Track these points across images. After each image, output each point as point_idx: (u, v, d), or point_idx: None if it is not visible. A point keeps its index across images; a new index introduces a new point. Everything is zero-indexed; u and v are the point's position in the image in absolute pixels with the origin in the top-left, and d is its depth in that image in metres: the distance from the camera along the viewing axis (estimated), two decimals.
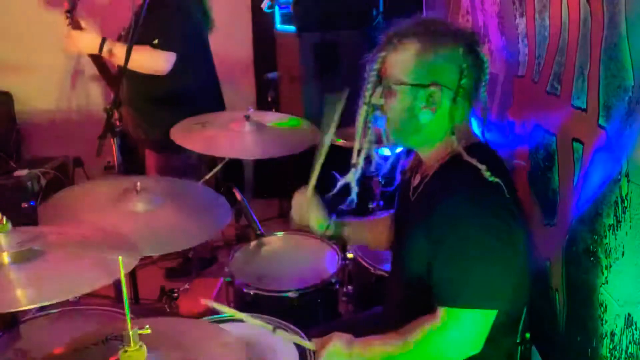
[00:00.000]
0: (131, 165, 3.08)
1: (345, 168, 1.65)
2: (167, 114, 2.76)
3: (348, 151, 1.66)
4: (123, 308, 1.15)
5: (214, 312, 1.63)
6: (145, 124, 2.96)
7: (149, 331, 1.18)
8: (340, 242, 1.96)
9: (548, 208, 1.72)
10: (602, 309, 1.41)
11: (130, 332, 1.16)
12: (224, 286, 2.22)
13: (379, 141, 1.63)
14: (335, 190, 1.69)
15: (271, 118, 2.65)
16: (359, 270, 2.26)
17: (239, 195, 2.43)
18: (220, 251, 3.52)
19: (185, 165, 2.83)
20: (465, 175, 1.44)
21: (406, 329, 1.47)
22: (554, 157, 1.68)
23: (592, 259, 1.45)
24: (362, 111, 1.56)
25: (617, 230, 1.33)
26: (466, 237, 1.40)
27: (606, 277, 1.39)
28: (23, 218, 3.10)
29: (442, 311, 1.41)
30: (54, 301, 1.28)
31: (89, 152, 2.38)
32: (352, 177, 1.64)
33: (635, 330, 1.27)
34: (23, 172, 3.55)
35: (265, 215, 3.78)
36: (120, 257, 1.16)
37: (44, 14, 3.91)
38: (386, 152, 1.70)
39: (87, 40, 2.67)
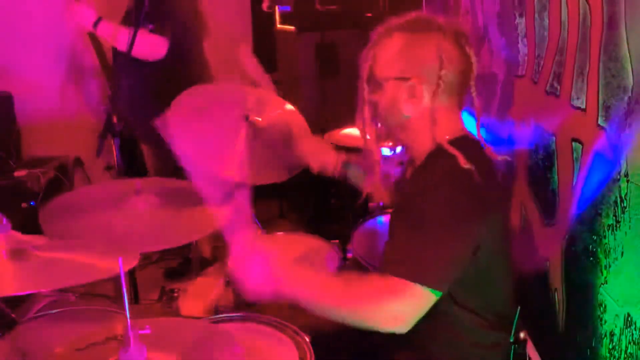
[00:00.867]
0: (131, 165, 3.09)
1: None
2: (162, 107, 2.78)
3: (348, 151, 1.66)
4: (123, 308, 1.15)
5: (213, 312, 1.63)
6: (144, 118, 2.97)
7: (149, 331, 1.18)
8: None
9: (547, 208, 1.72)
10: (601, 309, 1.41)
11: (130, 332, 1.16)
12: (224, 286, 2.22)
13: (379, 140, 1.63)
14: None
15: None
16: (359, 270, 2.25)
17: None
18: (221, 251, 3.52)
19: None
20: (442, 163, 1.44)
21: (351, 282, 1.41)
22: (553, 157, 1.68)
23: (591, 259, 1.45)
24: (361, 109, 1.56)
25: (616, 230, 1.33)
26: (429, 209, 1.37)
27: (605, 277, 1.39)
28: (23, 218, 3.11)
29: (396, 279, 1.33)
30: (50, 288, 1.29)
31: (89, 152, 2.38)
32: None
33: (635, 330, 1.27)
34: (23, 172, 3.55)
35: (265, 215, 3.79)
36: (120, 257, 1.16)
37: (44, 14, 3.91)
38: (385, 151, 1.70)
39: (83, 14, 2.79)
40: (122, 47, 2.56)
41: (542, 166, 1.75)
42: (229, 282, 2.14)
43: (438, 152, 1.48)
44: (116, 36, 2.73)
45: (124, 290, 1.16)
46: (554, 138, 1.67)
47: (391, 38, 1.50)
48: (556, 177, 1.67)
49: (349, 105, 1.66)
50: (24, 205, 3.36)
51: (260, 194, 1.81)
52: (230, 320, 1.71)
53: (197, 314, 1.84)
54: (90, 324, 1.72)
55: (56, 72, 4.09)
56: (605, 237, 1.38)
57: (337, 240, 2.28)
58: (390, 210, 1.86)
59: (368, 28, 1.57)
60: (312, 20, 3.85)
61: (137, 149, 3.32)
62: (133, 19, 2.55)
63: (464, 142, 1.48)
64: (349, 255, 2.29)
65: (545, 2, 1.71)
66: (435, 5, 3.18)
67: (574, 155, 1.54)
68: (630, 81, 1.25)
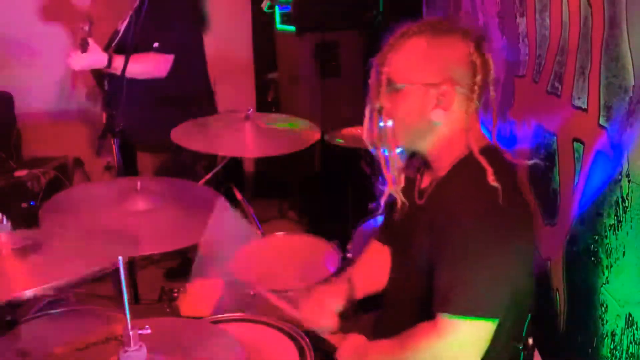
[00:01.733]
0: (131, 165, 3.09)
1: (345, 168, 1.62)
2: (162, 115, 2.77)
3: (348, 151, 1.64)
4: (123, 308, 1.15)
5: (213, 312, 1.63)
6: (140, 125, 2.96)
7: (149, 331, 1.18)
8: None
9: (548, 208, 1.72)
10: (602, 309, 1.41)
11: (130, 332, 1.16)
12: (224, 286, 2.22)
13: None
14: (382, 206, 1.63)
15: (271, 118, 2.66)
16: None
17: (239, 195, 2.43)
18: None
19: (180, 166, 2.84)
20: (472, 177, 1.39)
21: (406, 334, 1.43)
22: (554, 157, 1.67)
23: (592, 259, 1.45)
24: (369, 115, 1.49)
25: (617, 230, 1.33)
26: (465, 242, 1.35)
27: (607, 277, 1.39)
28: (23, 218, 3.11)
29: (441, 318, 1.36)
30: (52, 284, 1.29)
31: (89, 152, 2.38)
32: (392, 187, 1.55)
33: (636, 330, 1.27)
34: (23, 172, 3.55)
35: (265, 215, 3.78)
36: (120, 257, 1.16)
37: (44, 14, 3.91)
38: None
39: (94, 60, 2.70)
40: (133, 75, 2.48)
41: (543, 166, 1.75)
42: (229, 282, 2.14)
43: (466, 162, 1.43)
44: (127, 68, 2.64)
45: (124, 290, 1.16)
46: (555, 138, 1.67)
47: (412, 41, 1.42)
48: (557, 177, 1.66)
49: (349, 105, 1.64)
50: (24, 205, 3.37)
51: (261, 194, 1.81)
52: (230, 320, 1.71)
53: (197, 314, 1.84)
54: (90, 324, 1.72)
55: (56, 72, 4.09)
56: (606, 237, 1.38)
57: (337, 240, 2.28)
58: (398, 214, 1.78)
59: (368, 28, 1.54)
60: (312, 20, 3.85)
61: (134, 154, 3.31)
62: (135, 21, 2.49)
63: (491, 153, 1.43)
64: (349, 255, 2.29)
65: (546, 1, 1.71)
66: (436, 6, 3.17)
67: (575, 155, 1.53)
68: (631, 81, 1.25)
